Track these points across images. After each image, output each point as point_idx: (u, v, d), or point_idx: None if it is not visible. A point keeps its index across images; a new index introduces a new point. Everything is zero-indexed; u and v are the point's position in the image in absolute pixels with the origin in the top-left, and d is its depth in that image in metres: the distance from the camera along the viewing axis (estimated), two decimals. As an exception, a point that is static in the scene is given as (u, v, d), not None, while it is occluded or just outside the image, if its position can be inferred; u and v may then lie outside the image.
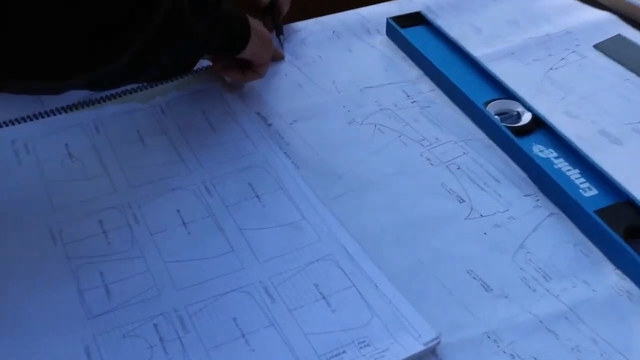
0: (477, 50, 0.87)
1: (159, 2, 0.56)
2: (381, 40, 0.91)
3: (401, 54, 0.88)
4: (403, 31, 0.89)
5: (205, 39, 0.66)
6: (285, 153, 0.72)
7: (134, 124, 0.76)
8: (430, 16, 0.93)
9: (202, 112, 0.78)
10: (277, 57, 0.85)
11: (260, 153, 0.72)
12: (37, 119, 0.76)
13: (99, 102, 0.78)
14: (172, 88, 0.81)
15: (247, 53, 0.74)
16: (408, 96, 0.81)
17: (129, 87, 0.80)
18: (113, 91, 0.79)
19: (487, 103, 0.77)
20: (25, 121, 0.76)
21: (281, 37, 0.89)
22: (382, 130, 0.75)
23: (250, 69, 0.78)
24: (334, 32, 0.92)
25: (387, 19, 0.91)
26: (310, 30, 0.93)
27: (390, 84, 0.83)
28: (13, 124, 0.75)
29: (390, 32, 0.91)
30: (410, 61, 0.87)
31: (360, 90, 0.82)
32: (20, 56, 0.50)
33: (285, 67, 0.85)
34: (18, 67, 0.51)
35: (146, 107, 0.78)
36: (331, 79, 0.84)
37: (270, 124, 0.76)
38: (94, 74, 0.54)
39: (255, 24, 0.74)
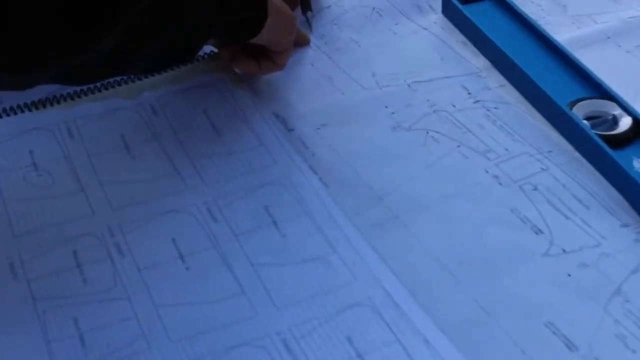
0: (562, 32, 0.89)
1: None
2: (436, 19, 0.93)
3: (461, 38, 0.90)
4: (464, 8, 0.91)
5: (208, 21, 0.68)
6: (310, 167, 0.74)
7: (117, 127, 0.78)
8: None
9: (204, 112, 0.80)
10: (302, 42, 0.88)
11: (279, 167, 0.74)
12: (-7, 119, 0.79)
13: (72, 98, 0.81)
14: (165, 81, 0.84)
15: (262, 38, 0.76)
16: (470, 94, 0.83)
17: (110, 79, 0.83)
18: (91, 85, 0.82)
19: (573, 103, 0.78)
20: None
21: (309, 13, 0.91)
22: (436, 139, 0.77)
23: (267, 57, 0.80)
24: (374, 9, 0.95)
25: None
26: (344, 6, 0.95)
27: (447, 77, 0.85)
28: (-38, 125, 0.79)
29: (448, 10, 0.93)
30: (473, 48, 0.89)
31: (408, 85, 0.84)
32: None
33: (311, 55, 0.88)
34: None
35: (132, 104, 0.81)
36: (370, 71, 0.86)
37: (292, 129, 0.78)
38: (67, 65, 0.56)
39: (276, 1, 0.76)
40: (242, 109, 0.80)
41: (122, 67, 0.66)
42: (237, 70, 0.84)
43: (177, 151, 0.76)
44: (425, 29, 0.92)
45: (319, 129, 0.78)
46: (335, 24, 0.92)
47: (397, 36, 0.91)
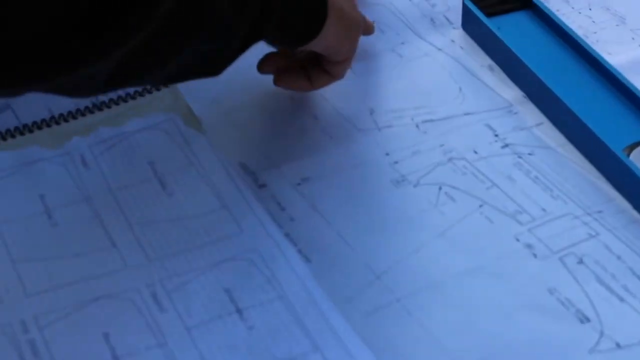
0: (618, 52, 0.91)
1: None
2: (454, 37, 0.96)
3: (487, 61, 0.92)
4: (490, 22, 0.93)
5: (248, 26, 0.69)
6: (287, 235, 0.75)
7: (35, 185, 0.80)
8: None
9: (151, 165, 0.82)
10: (366, 31, 0.90)
11: (246, 235, 0.75)
12: None
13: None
14: (99, 122, 0.85)
15: (320, 44, 0.78)
16: (497, 136, 0.84)
17: (26, 120, 0.85)
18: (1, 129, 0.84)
19: (631, 148, 0.79)
20: None
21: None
22: (452, 196, 0.78)
23: (320, 68, 0.83)
24: (374, 22, 0.96)
25: (463, 0, 0.95)
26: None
27: (468, 114, 0.87)
28: None
29: (470, 24, 0.95)
30: (502, 74, 0.91)
31: (417, 125, 0.85)
32: None
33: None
34: None
35: (56, 155, 0.83)
36: (367, 107, 0.88)
37: (264, 185, 0.80)
38: (71, 77, 0.59)
39: None
40: (199, 159, 0.82)
41: (131, 82, 0.69)
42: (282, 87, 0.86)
43: (113, 216, 0.77)
44: (440, 49, 0.94)
45: (299, 184, 0.79)
46: (322, 46, 0.94)
47: (403, 59, 0.93)
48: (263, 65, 0.83)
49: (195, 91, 0.88)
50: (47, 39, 0.56)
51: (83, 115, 0.86)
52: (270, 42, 0.78)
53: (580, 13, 0.97)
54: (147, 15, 0.59)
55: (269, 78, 0.84)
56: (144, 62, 0.63)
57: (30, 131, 0.85)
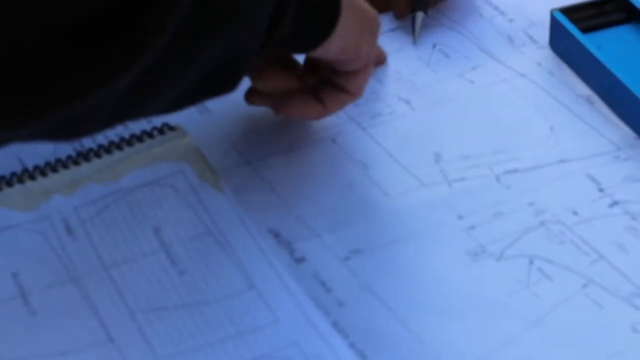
0: None
1: None
2: (540, 58, 0.97)
3: (584, 89, 0.93)
4: (587, 39, 0.94)
5: (267, 22, 0.72)
6: (335, 325, 0.75)
7: (5, 260, 0.80)
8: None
9: (156, 231, 0.82)
10: (377, 62, 0.93)
11: (283, 325, 0.75)
12: None
13: None
14: (85, 175, 0.86)
15: (331, 49, 0.80)
16: (601, 190, 0.84)
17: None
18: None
19: None
20: None
21: (418, 15, 0.98)
22: (548, 273, 0.79)
23: (333, 85, 0.85)
24: (435, 45, 0.98)
25: (551, 12, 0.96)
26: (385, 42, 0.98)
27: (563, 161, 0.87)
28: None
29: (560, 42, 0.96)
30: (603, 106, 0.91)
31: (497, 177, 0.86)
32: None
33: (334, 125, 0.91)
34: None
35: (32, 219, 0.83)
36: (432, 152, 0.88)
37: (302, 259, 0.80)
38: (72, 110, 0.61)
39: None
40: (218, 224, 0.83)
41: (139, 109, 0.70)
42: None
43: (109, 301, 0.77)
44: (523, 75, 0.95)
45: (348, 258, 0.80)
46: (374, 75, 0.94)
47: (476, 87, 0.94)
48: (262, 81, 0.85)
49: (209, 134, 0.89)
50: (47, 64, 0.58)
51: (65, 167, 0.87)
52: (282, 45, 0.79)
53: None
54: (165, 17, 0.61)
55: (298, 121, 0.86)
56: (156, 78, 0.65)
57: None
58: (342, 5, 0.78)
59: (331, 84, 0.85)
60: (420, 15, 0.98)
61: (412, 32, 0.99)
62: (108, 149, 0.88)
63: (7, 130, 0.62)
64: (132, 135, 0.89)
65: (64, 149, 0.88)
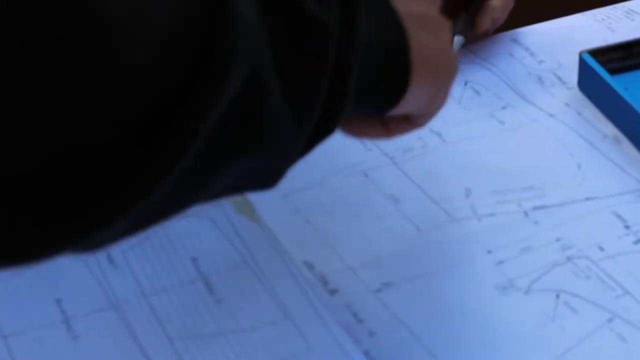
0: None
1: (229, 67, 0.58)
2: (569, 99, 0.97)
3: (612, 129, 0.93)
4: (614, 80, 0.94)
5: (307, 138, 0.69)
6: (366, 354, 0.75)
7: (50, 287, 0.81)
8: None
9: (194, 262, 0.83)
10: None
11: (316, 353, 0.75)
12: None
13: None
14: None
15: (400, 112, 0.77)
16: (627, 227, 0.84)
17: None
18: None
19: None
20: None
21: (457, 39, 0.97)
22: (574, 307, 0.78)
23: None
24: (467, 83, 0.98)
25: (580, 54, 0.97)
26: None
27: (590, 199, 0.87)
28: None
29: (588, 82, 0.96)
30: (630, 146, 0.92)
31: (525, 213, 0.86)
32: None
33: (365, 158, 0.91)
34: None
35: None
36: (463, 187, 0.89)
37: (335, 291, 0.80)
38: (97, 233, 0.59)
39: (425, 39, 0.75)
40: (254, 256, 0.83)
41: (171, 214, 0.68)
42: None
43: (148, 328, 0.78)
44: (552, 115, 0.95)
45: (379, 290, 0.80)
46: (406, 110, 0.95)
47: (505, 127, 0.95)
48: (348, 132, 0.84)
49: None
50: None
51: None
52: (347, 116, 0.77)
53: None
54: (185, 141, 0.58)
55: (336, 151, 0.86)
56: (190, 188, 0.62)
57: None
58: (414, 71, 0.74)
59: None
60: (458, 40, 0.99)
61: None
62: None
63: (33, 259, 0.61)
64: None
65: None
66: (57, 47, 0.52)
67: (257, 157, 0.65)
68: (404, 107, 0.76)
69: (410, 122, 0.82)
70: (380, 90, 0.74)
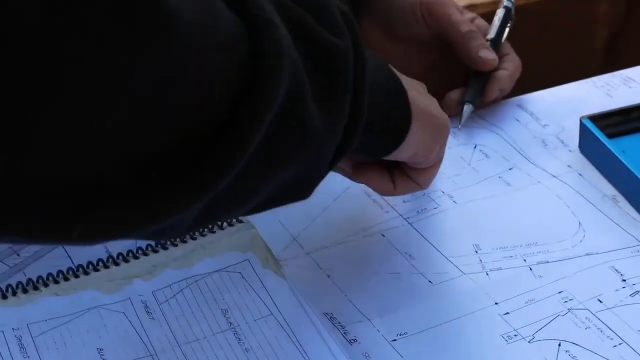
0: None
1: (265, 104, 0.65)
2: (570, 161, 1.00)
3: (610, 189, 0.97)
4: (612, 144, 0.97)
5: (335, 147, 0.75)
6: (383, 400, 0.78)
7: (91, 337, 0.85)
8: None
9: (224, 314, 0.86)
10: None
11: (336, 400, 0.79)
12: None
13: (24, 292, 0.88)
14: (166, 263, 0.91)
15: (405, 152, 0.83)
16: (625, 281, 0.87)
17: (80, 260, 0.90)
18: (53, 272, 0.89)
19: None
20: None
21: (467, 107, 1.04)
22: (574, 355, 0.81)
23: (403, 172, 0.88)
24: (476, 146, 1.02)
25: (580, 119, 1.00)
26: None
27: (590, 254, 0.90)
28: None
29: (588, 146, 1.00)
30: (627, 205, 0.95)
31: (530, 268, 0.89)
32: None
33: (383, 219, 0.95)
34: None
35: (115, 300, 0.88)
36: (472, 244, 0.92)
37: (355, 340, 0.84)
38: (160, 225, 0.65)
39: (419, 98, 0.83)
40: (279, 308, 0.86)
41: (223, 216, 0.76)
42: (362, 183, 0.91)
43: (182, 374, 0.81)
44: (555, 176, 0.99)
45: (395, 340, 0.83)
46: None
47: (512, 188, 0.98)
48: (358, 179, 0.89)
49: (273, 228, 0.93)
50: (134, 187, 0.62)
51: (145, 254, 0.91)
52: (354, 154, 0.82)
53: None
54: (239, 150, 0.64)
55: (356, 215, 0.90)
56: (230, 200, 0.69)
57: (86, 273, 0.90)
58: (413, 116, 0.81)
59: (402, 172, 0.88)
60: (468, 108, 1.04)
61: (459, 121, 1.04)
62: (183, 239, 0.92)
63: (119, 237, 0.66)
64: (216, 225, 0.94)
65: (144, 239, 0.93)
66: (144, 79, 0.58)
67: (298, 163, 0.71)
68: (407, 149, 0.83)
69: (414, 181, 0.88)
70: (386, 127, 0.81)
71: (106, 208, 0.62)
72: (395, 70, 0.83)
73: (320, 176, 0.76)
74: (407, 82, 0.83)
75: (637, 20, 2.18)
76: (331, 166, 0.76)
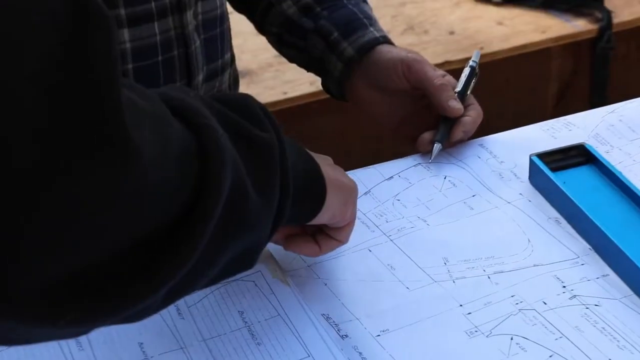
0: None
1: (218, 188, 0.66)
2: (522, 190, 1.01)
3: (554, 213, 0.97)
4: (555, 176, 0.98)
5: (273, 224, 0.76)
6: (369, 384, 0.80)
7: (134, 333, 0.86)
8: (602, 149, 1.04)
9: (241, 315, 0.87)
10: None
11: (330, 384, 0.80)
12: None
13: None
14: (193, 274, 0.92)
15: (323, 217, 0.85)
16: (565, 287, 0.88)
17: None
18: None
19: (694, 300, 0.83)
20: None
21: (436, 146, 1.05)
22: (523, 347, 0.82)
23: (324, 233, 0.89)
24: (446, 177, 1.03)
25: (530, 156, 1.01)
26: (409, 178, 1.04)
27: (537, 265, 0.91)
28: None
29: (536, 178, 1.01)
30: (568, 227, 0.95)
31: (488, 277, 0.90)
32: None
33: (369, 238, 0.96)
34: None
35: (153, 305, 0.89)
36: (442, 257, 0.93)
37: (346, 336, 0.85)
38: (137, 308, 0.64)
39: (329, 170, 0.85)
40: (286, 310, 0.88)
41: (185, 292, 0.73)
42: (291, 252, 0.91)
43: (207, 364, 0.82)
44: (509, 202, 1.00)
45: (379, 335, 0.85)
46: (399, 200, 1.01)
47: (474, 212, 0.99)
48: (287, 248, 0.91)
49: (281, 248, 0.93)
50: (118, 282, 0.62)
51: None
52: (286, 222, 0.82)
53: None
54: (200, 235, 0.65)
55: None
56: (194, 275, 0.68)
57: None
58: (327, 185, 0.83)
59: (324, 234, 0.89)
60: (437, 146, 1.05)
61: (430, 157, 1.06)
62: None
63: (98, 321, 0.64)
64: None
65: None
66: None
67: (245, 238, 0.72)
68: (326, 213, 0.84)
69: (335, 239, 0.89)
70: (308, 197, 0.82)
71: (88, 300, 0.61)
72: (307, 150, 0.84)
73: (262, 247, 0.77)
74: (319, 158, 0.85)
75: (582, 74, 2.20)
76: (269, 237, 0.77)
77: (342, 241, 0.90)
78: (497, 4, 2.17)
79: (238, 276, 0.91)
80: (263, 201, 0.73)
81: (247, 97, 0.78)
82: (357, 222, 0.91)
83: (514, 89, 2.14)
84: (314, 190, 0.83)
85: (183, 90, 0.72)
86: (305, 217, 0.84)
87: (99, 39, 0.57)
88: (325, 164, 0.86)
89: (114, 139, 0.57)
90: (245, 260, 0.76)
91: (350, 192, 0.88)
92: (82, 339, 0.85)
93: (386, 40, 1.12)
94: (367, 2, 1.18)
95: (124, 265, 0.61)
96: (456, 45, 2.06)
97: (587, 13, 2.13)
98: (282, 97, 1.94)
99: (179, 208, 0.64)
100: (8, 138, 0.53)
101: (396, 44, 1.14)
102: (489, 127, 1.12)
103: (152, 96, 0.66)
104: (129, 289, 0.62)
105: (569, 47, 2.14)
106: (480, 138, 1.11)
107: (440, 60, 1.97)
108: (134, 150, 0.58)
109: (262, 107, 0.78)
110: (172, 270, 0.64)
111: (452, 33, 2.10)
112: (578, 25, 2.12)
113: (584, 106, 1.47)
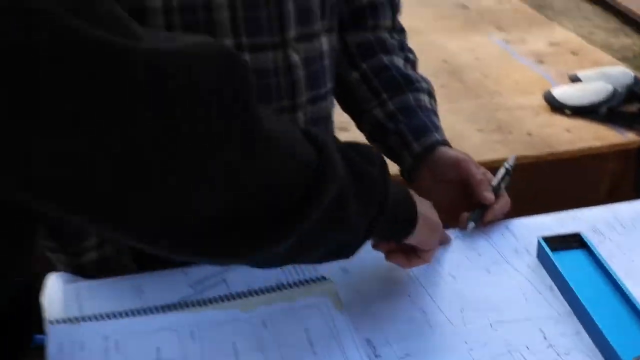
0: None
1: (325, 191, 0.80)
2: (529, 263, 1.11)
3: (549, 282, 1.07)
4: (554, 255, 1.08)
5: (368, 227, 0.89)
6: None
7: (231, 335, 0.99)
8: (597, 238, 1.14)
9: (306, 331, 1.00)
10: (444, 242, 1.12)
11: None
12: (133, 315, 1.03)
13: (200, 305, 1.04)
14: (278, 298, 1.05)
15: (412, 240, 0.99)
16: (545, 338, 0.98)
17: (233, 291, 1.06)
18: (216, 295, 1.06)
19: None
20: (122, 317, 1.02)
21: (470, 224, 1.15)
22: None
23: (416, 254, 1.03)
24: (474, 248, 1.14)
25: (538, 239, 1.12)
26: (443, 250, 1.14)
27: (528, 319, 1.01)
28: (109, 317, 1.02)
29: (541, 255, 1.11)
30: (557, 292, 1.05)
31: (490, 325, 1.01)
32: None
33: (410, 287, 1.07)
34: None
35: (248, 317, 1.02)
36: (460, 306, 1.04)
37: (379, 356, 0.96)
38: (266, 253, 0.78)
39: (423, 206, 0.99)
40: (339, 332, 0.99)
41: (304, 254, 0.88)
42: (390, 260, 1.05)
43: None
44: (517, 270, 1.10)
45: (402, 358, 0.96)
46: (438, 261, 1.12)
47: (491, 275, 1.09)
48: (382, 245, 1.04)
49: (340, 283, 1.06)
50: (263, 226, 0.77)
51: (268, 292, 1.06)
52: (380, 238, 0.99)
53: (624, 254, 1.12)
54: (316, 208, 0.79)
55: (389, 284, 1.04)
56: (306, 245, 0.84)
57: (235, 299, 1.05)
58: (418, 216, 0.97)
59: (413, 252, 1.03)
60: (471, 224, 1.16)
61: (466, 231, 1.16)
62: (291, 285, 1.07)
63: (228, 262, 0.83)
64: (303, 279, 1.08)
65: (269, 282, 1.07)
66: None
67: (341, 234, 0.86)
68: (416, 236, 0.98)
69: (421, 258, 1.03)
70: (402, 221, 0.97)
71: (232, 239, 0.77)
72: (412, 192, 0.98)
73: (356, 246, 0.91)
74: (419, 199, 0.99)
75: (629, 174, 2.26)
76: (362, 241, 0.90)
77: (426, 261, 1.04)
78: (568, 115, 2.26)
79: (308, 303, 1.04)
80: (360, 211, 0.87)
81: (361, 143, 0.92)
82: (402, 272, 1.04)
83: (574, 183, 2.21)
84: (407, 217, 0.97)
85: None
86: (398, 236, 0.99)
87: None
88: (424, 204, 1.00)
89: (255, 133, 0.74)
90: (342, 252, 0.90)
91: (437, 228, 1.03)
92: (196, 337, 0.99)
93: (445, 143, 1.24)
94: (436, 113, 1.29)
95: (266, 215, 0.76)
96: (531, 145, 2.14)
97: (637, 128, 2.21)
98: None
99: (297, 188, 0.77)
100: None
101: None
102: (512, 213, 1.21)
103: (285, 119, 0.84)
104: (264, 232, 0.77)
105: (621, 152, 2.20)
106: (507, 220, 1.19)
107: (518, 153, 2.06)
108: (269, 138, 0.74)
109: (371, 146, 0.94)
110: (292, 227, 0.78)
111: (529, 134, 2.18)
112: (629, 136, 2.19)
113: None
